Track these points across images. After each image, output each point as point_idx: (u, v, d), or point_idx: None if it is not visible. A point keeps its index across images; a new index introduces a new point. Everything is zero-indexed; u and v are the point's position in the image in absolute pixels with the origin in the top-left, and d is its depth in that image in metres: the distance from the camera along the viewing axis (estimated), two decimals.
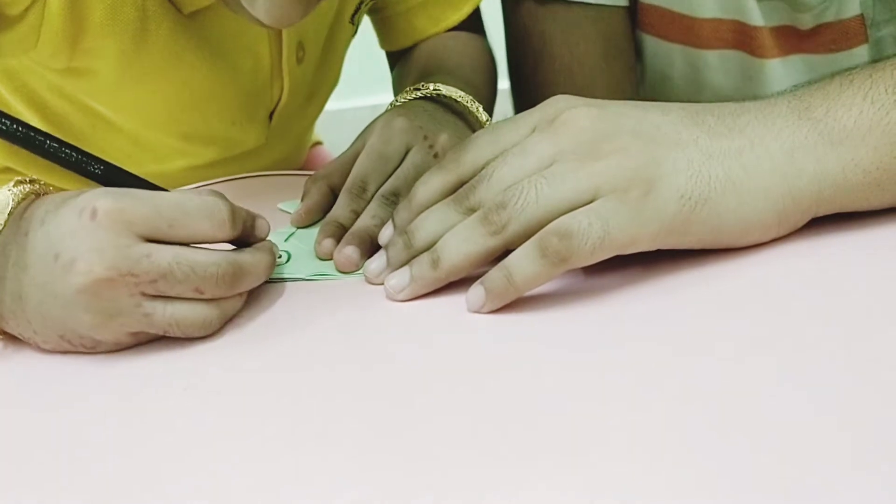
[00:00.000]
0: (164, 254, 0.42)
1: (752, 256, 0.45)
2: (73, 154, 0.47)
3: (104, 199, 0.42)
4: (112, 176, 0.47)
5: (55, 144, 0.47)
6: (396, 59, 0.83)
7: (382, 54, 0.86)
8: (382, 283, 0.48)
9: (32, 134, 0.47)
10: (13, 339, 0.45)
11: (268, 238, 0.48)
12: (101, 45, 0.61)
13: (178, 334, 0.43)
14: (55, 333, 0.43)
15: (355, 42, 0.84)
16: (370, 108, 0.63)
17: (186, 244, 0.43)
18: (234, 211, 0.45)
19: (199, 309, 0.43)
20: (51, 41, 0.59)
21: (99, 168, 0.47)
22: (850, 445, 0.32)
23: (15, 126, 0.47)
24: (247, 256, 0.45)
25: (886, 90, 0.44)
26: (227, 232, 0.44)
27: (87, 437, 0.38)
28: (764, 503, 0.30)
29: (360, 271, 0.50)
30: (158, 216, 0.42)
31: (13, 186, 0.45)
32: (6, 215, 0.44)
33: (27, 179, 0.46)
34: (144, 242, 0.42)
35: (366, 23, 0.83)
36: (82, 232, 0.41)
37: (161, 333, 0.43)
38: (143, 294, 0.42)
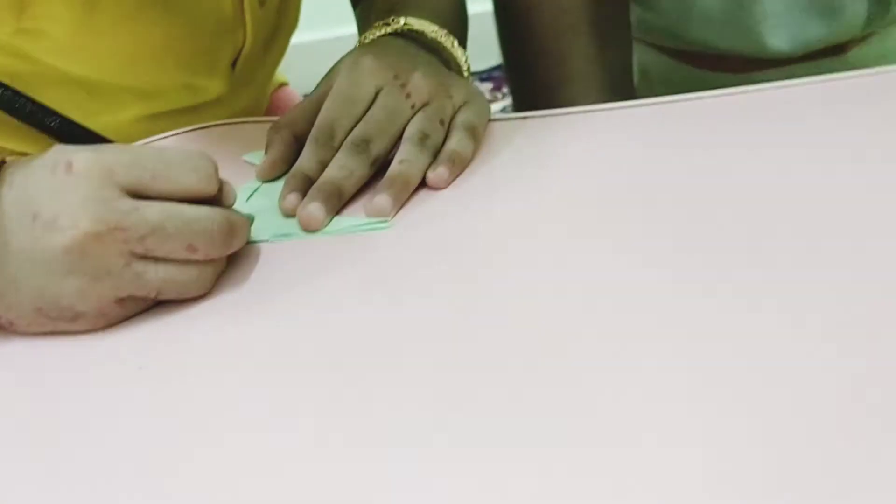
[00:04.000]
0: (154, 208, 0.39)
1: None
2: (28, 104, 0.44)
3: (79, 151, 0.39)
4: (67, 130, 0.44)
5: (9, 93, 0.44)
6: None
7: None
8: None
9: None
10: None
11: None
12: (50, 12, 0.57)
13: (173, 295, 0.41)
14: (32, 306, 0.39)
15: None
16: (335, 39, 0.59)
17: (170, 199, 0.40)
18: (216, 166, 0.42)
19: (191, 268, 0.41)
20: None
21: (55, 121, 0.44)
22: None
23: None
24: (235, 214, 0.43)
25: None
26: (213, 187, 0.42)
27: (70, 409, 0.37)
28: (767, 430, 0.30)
29: (326, 231, 0.47)
30: (140, 166, 0.40)
31: None
32: None
33: None
34: (128, 197, 0.39)
35: None
36: (60, 187, 0.38)
37: (153, 296, 0.40)
38: (133, 253, 0.39)
